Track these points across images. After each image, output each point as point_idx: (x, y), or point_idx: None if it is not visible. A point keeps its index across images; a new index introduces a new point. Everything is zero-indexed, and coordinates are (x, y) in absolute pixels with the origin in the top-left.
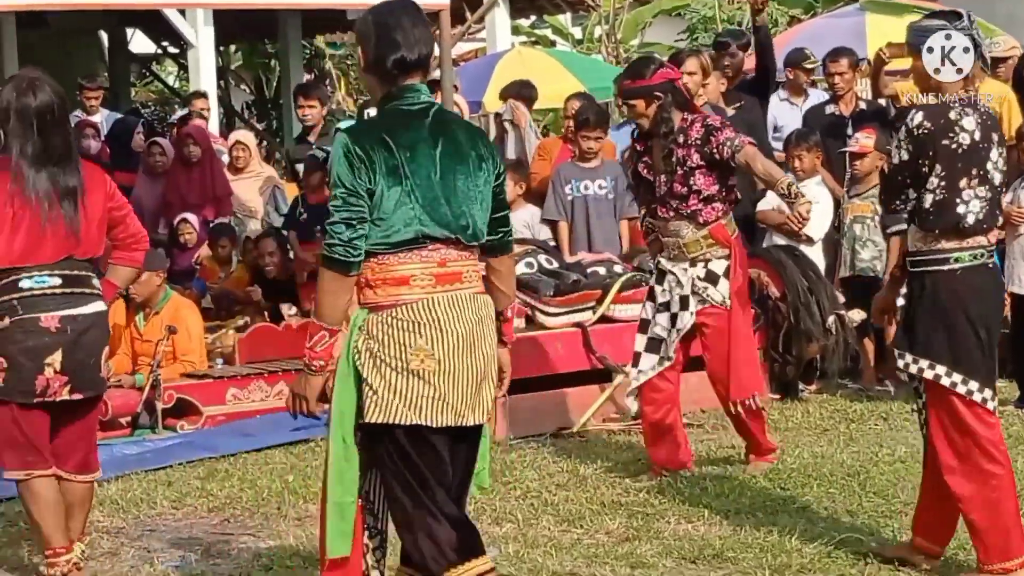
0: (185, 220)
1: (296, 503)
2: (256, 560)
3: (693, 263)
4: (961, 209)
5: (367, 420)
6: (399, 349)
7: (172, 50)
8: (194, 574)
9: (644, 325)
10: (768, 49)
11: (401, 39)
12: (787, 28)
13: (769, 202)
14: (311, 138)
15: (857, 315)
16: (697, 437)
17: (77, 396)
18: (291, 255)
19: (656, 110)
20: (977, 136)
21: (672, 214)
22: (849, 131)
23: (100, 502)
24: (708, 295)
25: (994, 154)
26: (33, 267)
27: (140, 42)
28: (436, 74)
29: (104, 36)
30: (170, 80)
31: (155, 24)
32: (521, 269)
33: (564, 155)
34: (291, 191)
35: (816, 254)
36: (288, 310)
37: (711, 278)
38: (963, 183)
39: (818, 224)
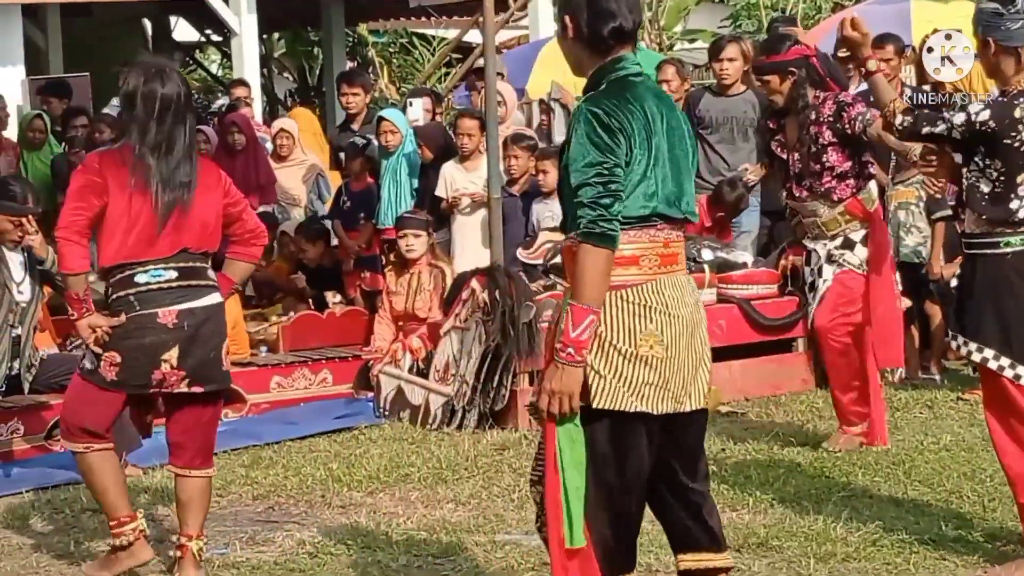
0: None
1: (340, 491)
2: (300, 548)
3: (833, 239)
4: (1015, 204)
5: (594, 405)
6: (628, 334)
7: (215, 38)
8: (238, 561)
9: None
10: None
11: (615, 7)
12: (831, 14)
13: None
14: (354, 126)
15: (905, 302)
16: (741, 425)
17: (197, 389)
18: (335, 243)
19: (791, 86)
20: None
21: (807, 193)
22: None
23: (144, 490)
24: (844, 259)
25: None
26: (149, 261)
27: (183, 30)
28: (480, 62)
29: (147, 24)
30: (213, 68)
31: (198, 12)
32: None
33: None
34: (334, 179)
35: None
36: (332, 298)
37: (848, 244)
38: (1020, 178)
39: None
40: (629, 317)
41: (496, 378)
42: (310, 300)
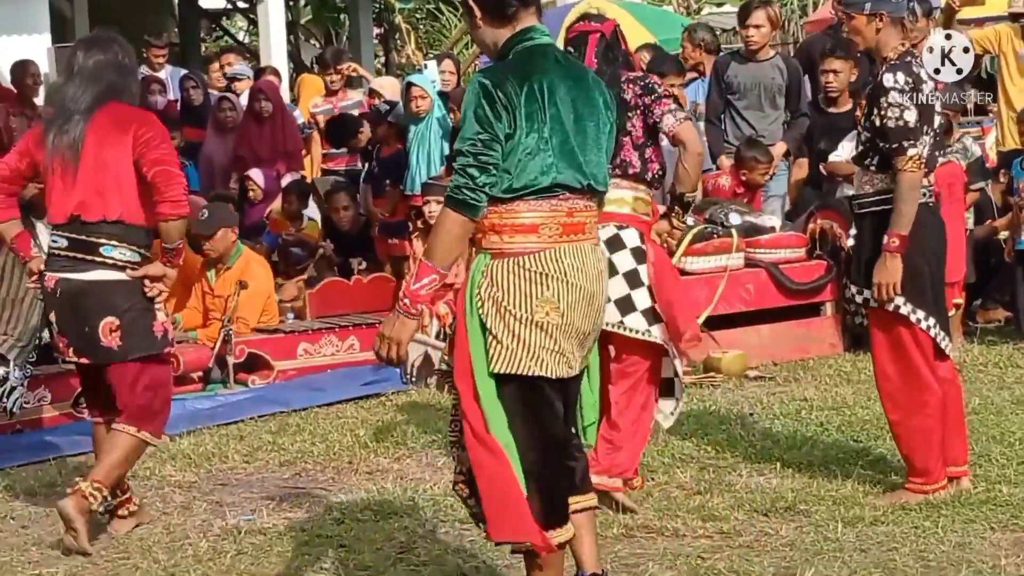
0: (248, 176)
1: (367, 457)
2: (328, 514)
3: None
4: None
5: (492, 369)
6: (525, 300)
7: (242, 4)
8: (265, 528)
9: None
10: None
11: None
12: None
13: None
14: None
15: None
16: (769, 390)
17: (83, 360)
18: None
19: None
20: (931, 85)
21: None
22: None
23: (172, 456)
24: None
25: (936, 101)
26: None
27: None
28: None
29: None
30: (240, 35)
31: None
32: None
33: None
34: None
35: None
36: (358, 265)
37: None
38: (924, 129)
39: None
40: (526, 283)
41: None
42: (336, 267)
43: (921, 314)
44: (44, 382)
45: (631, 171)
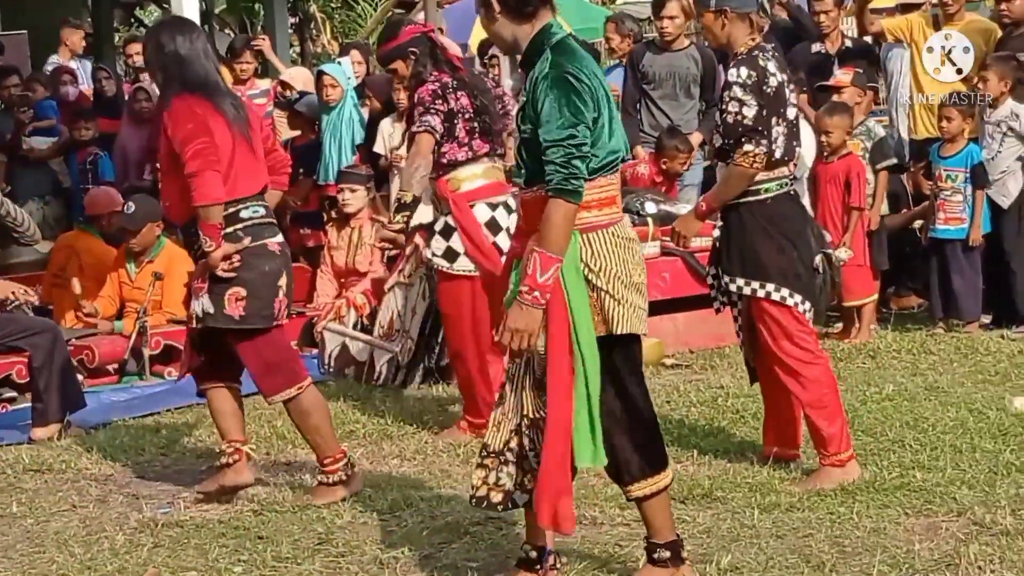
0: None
1: (284, 448)
2: (245, 505)
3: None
4: (771, 146)
5: (616, 331)
6: (624, 265)
7: None
8: (183, 520)
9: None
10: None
11: None
12: None
13: None
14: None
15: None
16: (686, 377)
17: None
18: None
19: (413, 65)
20: (781, 78)
21: None
22: (835, 69)
23: (88, 449)
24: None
25: (790, 93)
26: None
27: None
28: (420, 16)
29: None
30: None
31: None
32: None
33: None
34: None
35: (800, 192)
36: None
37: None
38: (774, 121)
39: (801, 162)
40: (622, 251)
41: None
42: None
43: (798, 298)
44: None
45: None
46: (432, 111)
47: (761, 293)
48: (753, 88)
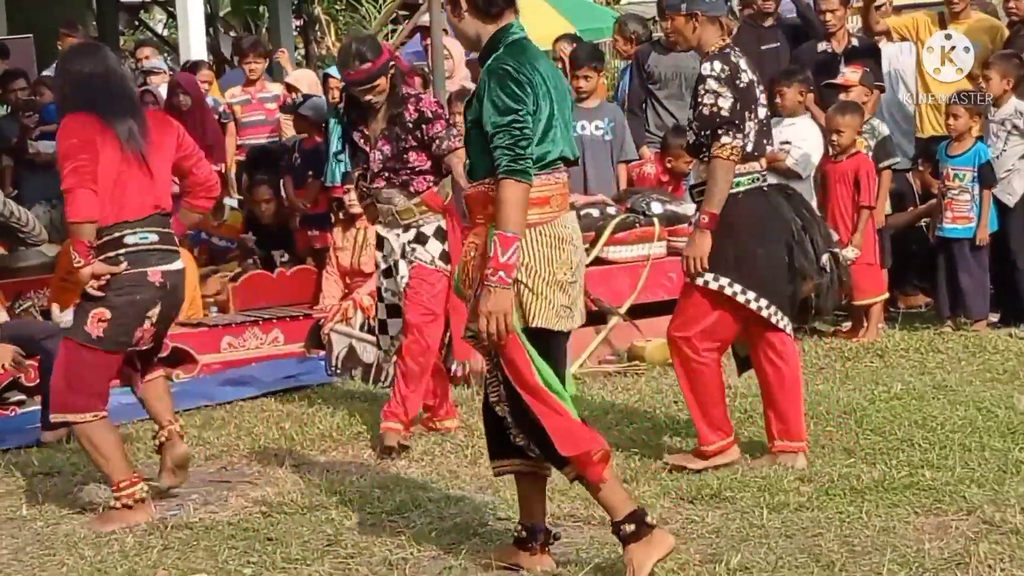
0: None
1: (293, 450)
2: (254, 507)
3: (406, 230)
4: (744, 139)
5: (531, 324)
6: (548, 263)
7: None
8: (192, 522)
9: (379, 293)
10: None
11: None
12: None
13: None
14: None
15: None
16: None
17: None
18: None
19: (390, 84)
20: (752, 76)
21: (384, 183)
22: (841, 67)
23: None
24: (416, 256)
25: (760, 93)
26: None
27: None
28: (425, 19)
29: None
30: (159, 28)
31: None
32: None
33: None
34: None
35: (807, 192)
36: (280, 257)
37: (420, 239)
38: (746, 115)
39: (807, 160)
40: (547, 249)
41: (447, 336)
42: (258, 259)
43: (751, 295)
44: None
45: None
46: (448, 122)
47: (714, 286)
48: (727, 81)
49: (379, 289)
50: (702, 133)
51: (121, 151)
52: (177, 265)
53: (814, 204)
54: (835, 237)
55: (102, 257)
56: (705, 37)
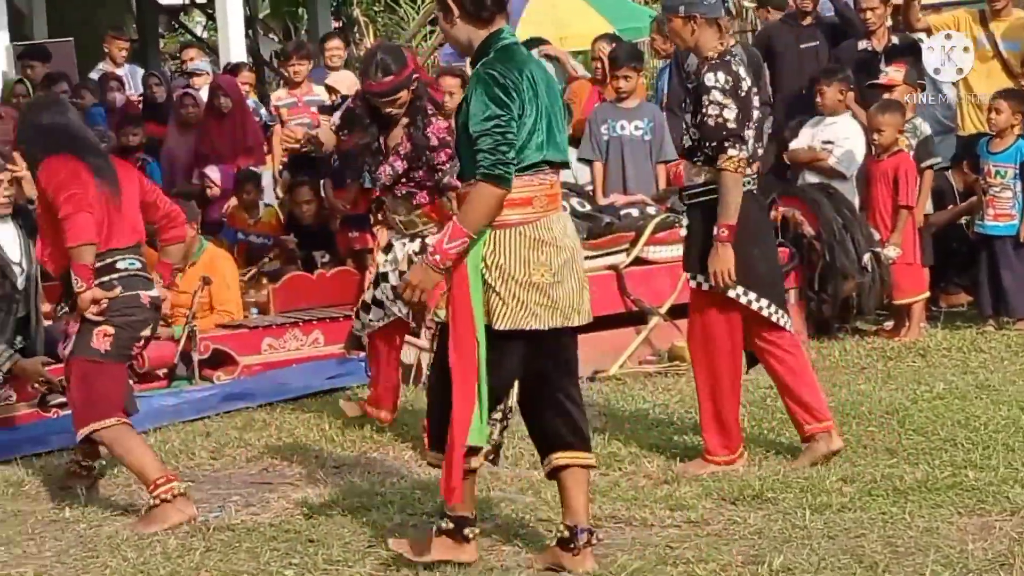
0: (204, 174)
1: (334, 451)
2: (295, 509)
3: (412, 240)
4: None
5: (497, 327)
6: (524, 264)
7: (200, 0)
8: (234, 524)
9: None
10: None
11: None
12: None
13: (800, 141)
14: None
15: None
16: None
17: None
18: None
19: (411, 98)
20: (750, 82)
21: (389, 194)
22: (882, 66)
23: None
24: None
25: (754, 96)
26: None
27: None
28: None
29: None
30: (198, 31)
31: None
32: None
33: (593, 98)
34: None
35: (849, 191)
36: (321, 258)
37: (424, 249)
38: (746, 125)
39: (851, 158)
40: (525, 250)
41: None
42: (299, 260)
43: (752, 295)
44: (8, 382)
45: None
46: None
47: (705, 286)
48: (731, 92)
49: (373, 281)
50: (704, 143)
51: (97, 189)
52: (156, 292)
53: (856, 203)
54: (876, 236)
55: (97, 282)
56: (703, 39)
